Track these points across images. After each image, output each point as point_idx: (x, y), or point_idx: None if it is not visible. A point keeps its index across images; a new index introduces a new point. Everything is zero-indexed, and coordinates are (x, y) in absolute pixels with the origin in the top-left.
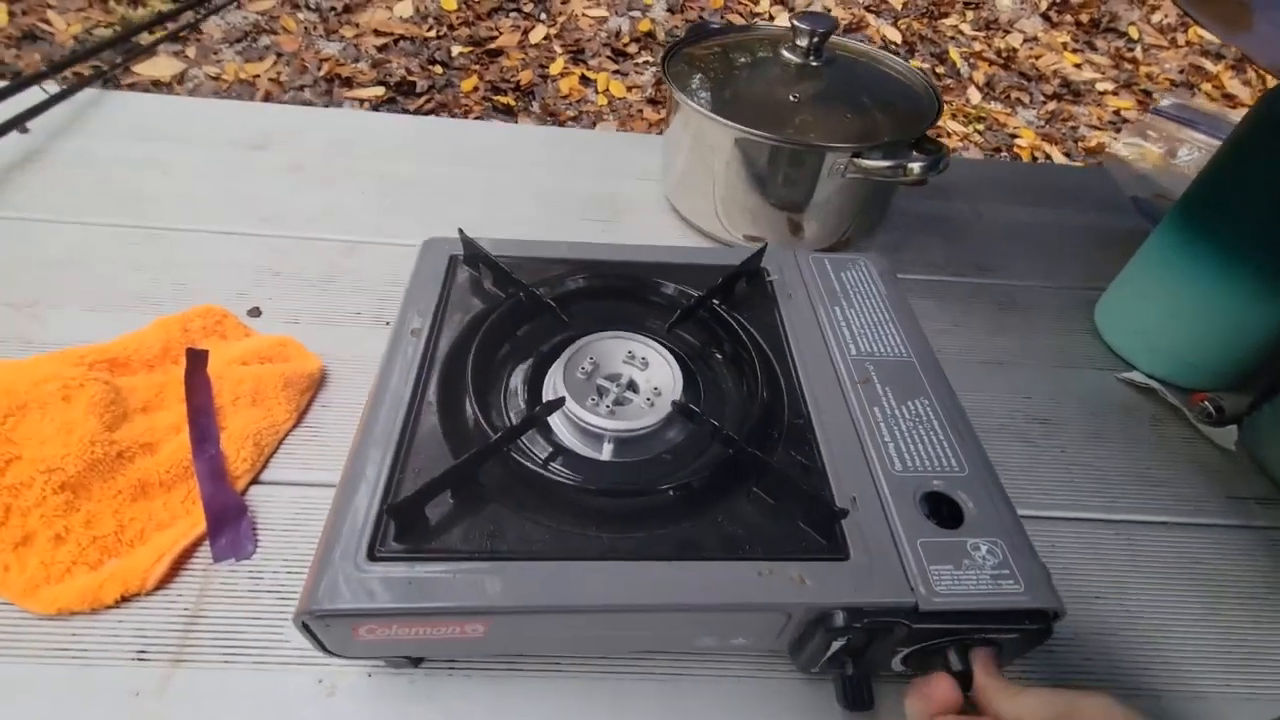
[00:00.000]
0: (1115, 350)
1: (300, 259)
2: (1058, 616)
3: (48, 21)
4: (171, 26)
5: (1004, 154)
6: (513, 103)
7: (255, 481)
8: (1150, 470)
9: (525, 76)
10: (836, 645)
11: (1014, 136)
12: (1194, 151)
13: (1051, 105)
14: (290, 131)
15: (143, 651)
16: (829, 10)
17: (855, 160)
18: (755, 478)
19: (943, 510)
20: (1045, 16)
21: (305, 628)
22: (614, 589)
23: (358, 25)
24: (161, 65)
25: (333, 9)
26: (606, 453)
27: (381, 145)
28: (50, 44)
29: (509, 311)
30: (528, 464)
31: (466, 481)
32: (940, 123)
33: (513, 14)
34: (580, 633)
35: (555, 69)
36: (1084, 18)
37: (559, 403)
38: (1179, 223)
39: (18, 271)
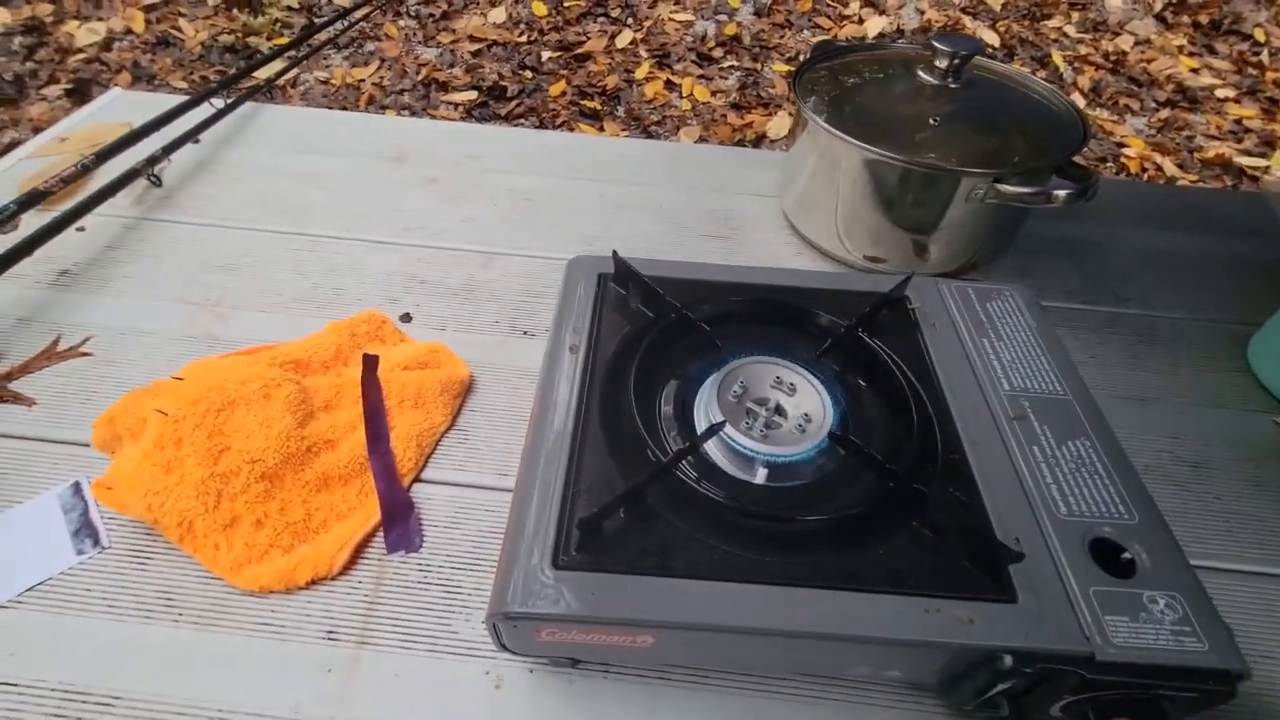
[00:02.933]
0: (1272, 391)
1: (442, 268)
2: (1242, 678)
3: (179, 29)
4: (327, 35)
5: (1109, 164)
6: (599, 107)
7: (417, 480)
8: None
9: (611, 81)
10: (1001, 687)
11: (1121, 146)
12: None
13: (1164, 113)
14: (425, 145)
15: (332, 631)
16: (922, 12)
17: (995, 185)
18: (916, 512)
19: (1111, 559)
20: (1160, 18)
21: (494, 627)
22: (785, 614)
23: (454, 31)
24: (277, 71)
25: (431, 16)
26: (760, 476)
27: (507, 159)
28: (180, 49)
29: (663, 332)
30: (695, 485)
31: (639, 500)
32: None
33: (600, 19)
34: (738, 651)
35: (641, 73)
36: (1203, 19)
37: (720, 426)
38: None
39: (201, 273)
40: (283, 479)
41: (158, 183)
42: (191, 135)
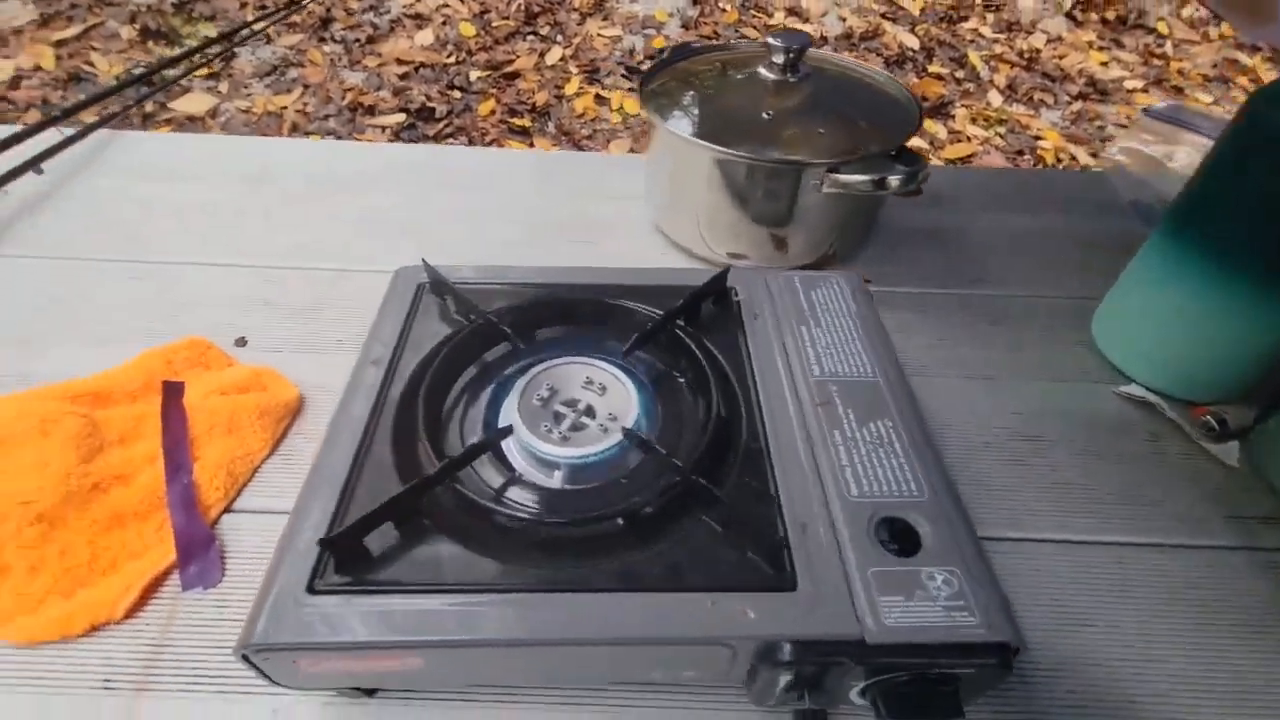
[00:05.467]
0: (1112, 363)
1: (289, 289)
2: (1017, 651)
3: (91, 64)
4: (197, 60)
5: (1027, 156)
6: (528, 124)
7: (228, 510)
8: (1146, 489)
9: (541, 98)
10: (785, 679)
11: (1037, 138)
12: (1192, 154)
13: (1077, 105)
14: (288, 164)
15: (108, 680)
16: (844, 20)
17: (831, 175)
18: (705, 506)
19: (900, 537)
20: (1070, 16)
21: (246, 660)
22: (550, 622)
23: (380, 55)
24: (196, 101)
25: (357, 40)
26: (558, 480)
27: (375, 175)
28: (94, 84)
29: (467, 339)
30: (472, 495)
31: (409, 513)
32: (960, 127)
33: (529, 37)
34: (527, 664)
35: (570, 89)
36: (1110, 15)
37: (505, 432)
38: (1170, 230)
39: (25, 309)
40: (64, 520)
41: None
42: (32, 165)
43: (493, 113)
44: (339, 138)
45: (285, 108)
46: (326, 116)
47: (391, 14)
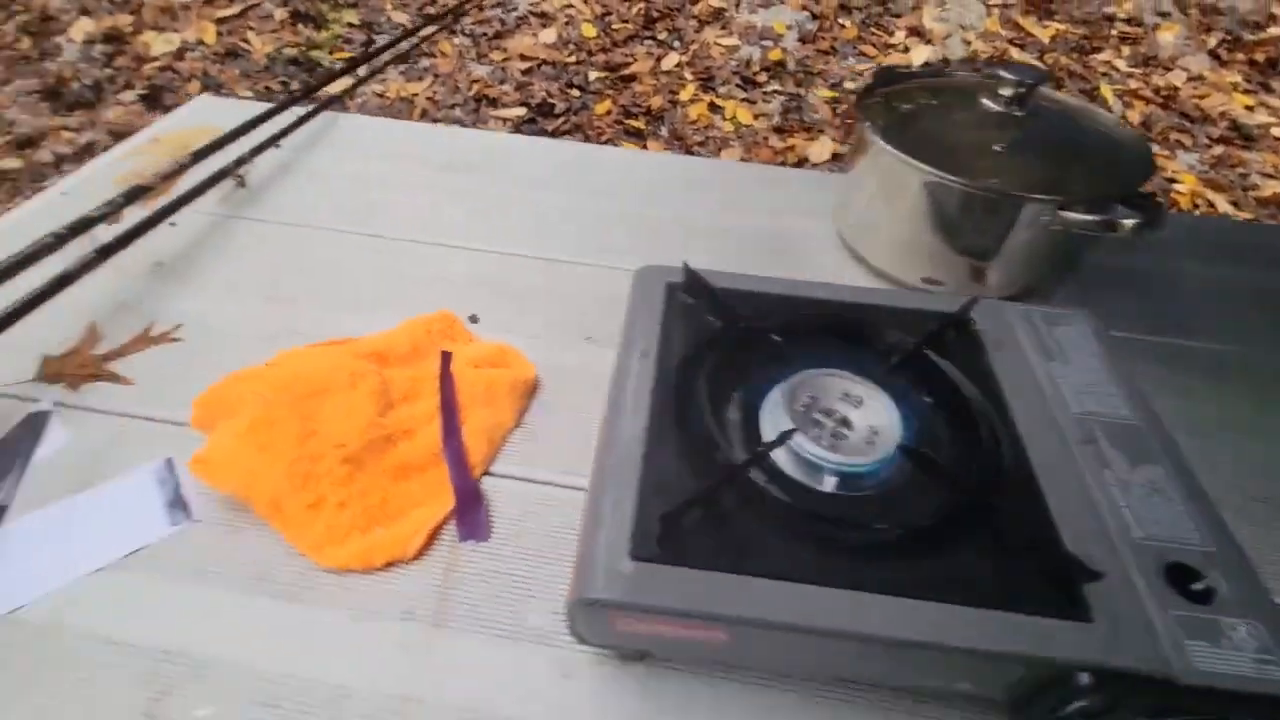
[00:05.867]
0: None
1: (507, 274)
2: None
3: (247, 41)
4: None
5: (1159, 199)
6: (643, 127)
7: (486, 474)
8: None
9: (656, 102)
10: (1074, 706)
11: (1172, 181)
12: None
13: (1218, 149)
14: (491, 156)
15: (408, 611)
16: (969, 43)
17: (1060, 213)
18: (988, 528)
19: (1187, 585)
20: (1214, 54)
21: (571, 613)
22: (865, 618)
23: (505, 50)
24: (337, 83)
25: (484, 35)
26: (829, 485)
27: (560, 173)
28: (247, 60)
29: (732, 341)
30: (767, 489)
31: (715, 499)
32: None
33: (648, 42)
34: (808, 654)
35: (685, 95)
36: (1259, 57)
37: (791, 433)
38: None
39: (283, 270)
40: (364, 464)
41: (242, 184)
42: (274, 140)
43: (609, 113)
44: (464, 126)
45: (416, 95)
46: (453, 105)
47: (519, 11)
